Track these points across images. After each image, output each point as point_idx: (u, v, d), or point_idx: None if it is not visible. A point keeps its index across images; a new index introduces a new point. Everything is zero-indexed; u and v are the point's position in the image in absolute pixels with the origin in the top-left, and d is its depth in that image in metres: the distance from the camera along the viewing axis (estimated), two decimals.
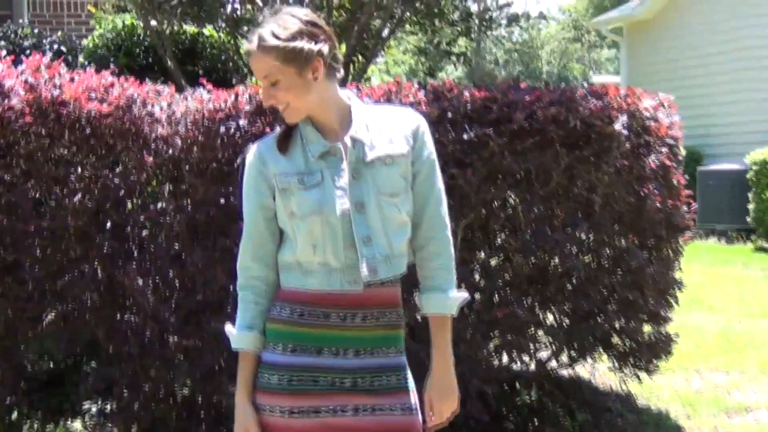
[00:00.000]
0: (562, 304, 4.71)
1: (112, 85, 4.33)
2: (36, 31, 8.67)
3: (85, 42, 8.53)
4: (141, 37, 8.30)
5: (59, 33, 8.89)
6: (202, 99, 4.37)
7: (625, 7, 19.51)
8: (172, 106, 4.38)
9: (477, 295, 4.46)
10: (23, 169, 4.19)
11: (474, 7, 12.34)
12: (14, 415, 4.55)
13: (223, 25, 8.06)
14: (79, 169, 4.26)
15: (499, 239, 4.58)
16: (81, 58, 8.12)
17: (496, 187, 4.47)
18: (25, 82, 4.15)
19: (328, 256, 2.41)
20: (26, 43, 8.14)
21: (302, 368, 2.42)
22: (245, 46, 2.62)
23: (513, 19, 9.26)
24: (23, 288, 4.22)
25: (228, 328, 2.55)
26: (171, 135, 4.31)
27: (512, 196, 4.51)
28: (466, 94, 4.49)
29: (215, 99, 4.36)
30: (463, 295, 2.57)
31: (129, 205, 4.32)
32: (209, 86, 4.47)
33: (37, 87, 4.14)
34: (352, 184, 2.43)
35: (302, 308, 2.45)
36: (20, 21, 10.07)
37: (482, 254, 4.58)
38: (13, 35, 8.29)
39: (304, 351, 2.44)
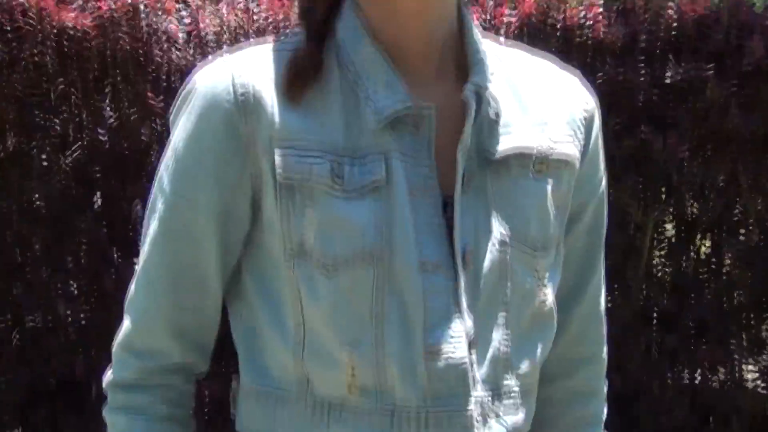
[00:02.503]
0: None
1: None
2: None
3: None
4: None
5: None
6: (249, 9, 3.14)
7: None
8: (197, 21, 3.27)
9: None
10: None
11: None
12: None
13: None
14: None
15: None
16: None
17: (718, 159, 2.99)
18: None
19: (388, 372, 1.08)
20: None
21: None
22: None
23: None
24: None
25: None
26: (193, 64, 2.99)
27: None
28: (670, 11, 3.14)
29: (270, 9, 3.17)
30: None
31: None
32: None
33: None
34: (461, 203, 1.12)
35: None
36: None
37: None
38: None
39: None
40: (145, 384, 1.16)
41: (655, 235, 3.04)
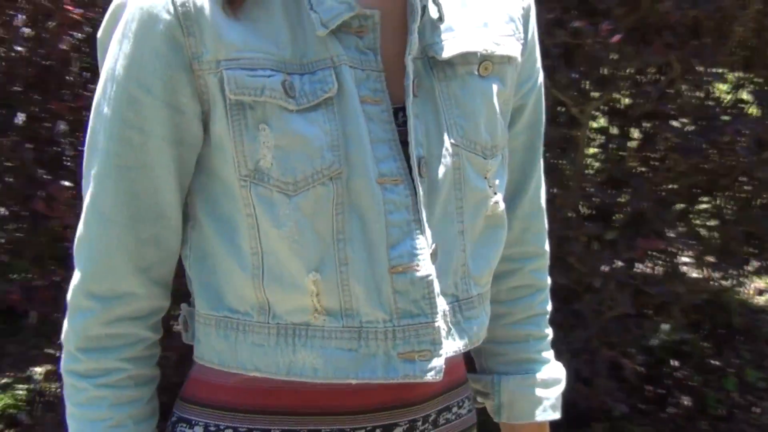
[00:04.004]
0: None
1: None
2: None
3: None
4: None
5: None
6: None
7: None
8: None
9: None
10: None
11: None
12: None
13: None
14: None
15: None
16: None
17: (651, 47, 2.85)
18: None
19: (353, 293, 1.05)
20: None
21: None
22: None
23: None
24: None
25: None
26: None
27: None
28: None
29: None
30: (563, 371, 1.33)
31: None
32: None
33: None
34: (412, 109, 1.07)
35: (264, 426, 1.09)
36: None
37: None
38: None
39: None
40: (109, 343, 1.09)
41: (590, 128, 2.98)
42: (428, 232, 1.06)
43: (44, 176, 2.87)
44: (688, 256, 3.48)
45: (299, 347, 1.05)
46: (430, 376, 1.06)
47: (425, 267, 1.05)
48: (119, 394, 1.09)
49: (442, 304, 1.09)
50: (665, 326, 4.15)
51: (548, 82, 2.77)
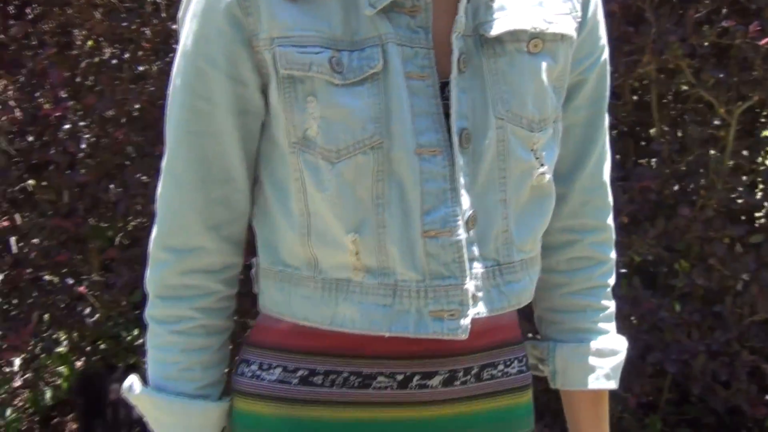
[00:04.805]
0: None
1: None
2: None
3: None
4: None
5: None
6: None
7: None
8: None
9: None
10: None
11: None
12: None
13: None
14: None
15: None
16: None
17: None
18: None
19: (389, 253, 1.12)
20: None
21: None
22: None
23: None
24: None
25: (137, 388, 1.22)
26: None
27: None
28: None
29: None
30: (623, 344, 1.35)
31: None
32: None
33: None
34: (457, 84, 1.12)
35: (312, 365, 1.19)
36: None
37: None
38: None
39: None
40: (183, 292, 1.19)
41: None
42: (467, 199, 1.13)
43: None
44: None
45: (340, 301, 1.15)
46: (456, 334, 1.14)
47: (457, 233, 1.12)
48: (190, 340, 1.20)
49: (478, 268, 1.15)
50: None
51: (695, 80, 2.77)
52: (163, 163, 1.19)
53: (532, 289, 1.24)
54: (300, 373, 1.19)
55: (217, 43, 1.11)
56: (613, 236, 1.35)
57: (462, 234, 1.13)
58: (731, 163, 2.94)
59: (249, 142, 1.17)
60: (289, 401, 1.19)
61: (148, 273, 1.21)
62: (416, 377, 1.19)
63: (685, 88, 3.03)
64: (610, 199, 1.34)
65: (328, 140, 1.10)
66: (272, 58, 1.10)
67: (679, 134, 3.01)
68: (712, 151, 2.96)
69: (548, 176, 1.21)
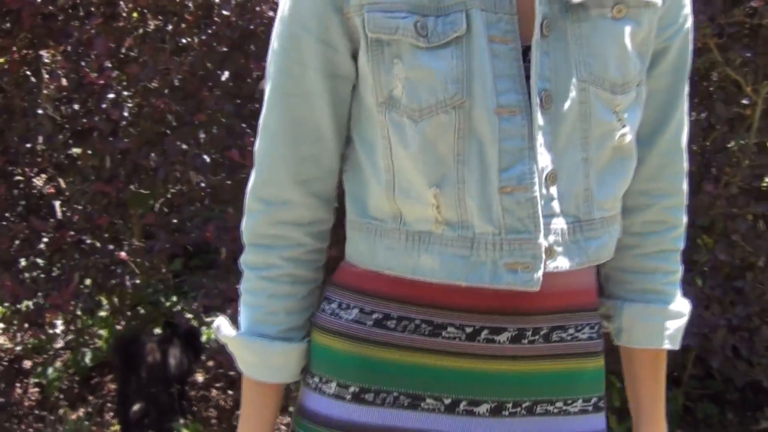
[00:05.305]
0: None
1: None
2: None
3: None
4: None
5: None
6: None
7: None
8: None
9: None
10: None
11: None
12: None
13: None
14: None
15: None
16: None
17: None
18: None
19: (468, 208, 1.16)
20: None
21: None
22: None
23: None
24: None
25: (225, 329, 1.31)
26: None
27: None
28: None
29: None
30: (687, 307, 1.38)
31: None
32: None
33: None
34: (540, 48, 1.15)
35: (387, 310, 1.24)
36: None
37: None
38: None
39: (383, 400, 1.24)
40: (272, 242, 1.26)
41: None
42: (546, 158, 1.16)
43: (242, 127, 3.13)
44: None
45: (422, 252, 1.20)
46: (529, 286, 1.17)
47: (532, 189, 1.15)
48: (276, 287, 1.27)
49: (559, 223, 1.19)
50: None
51: (722, 59, 2.81)
52: (261, 119, 1.26)
53: (612, 247, 1.27)
54: (375, 315, 1.24)
55: (311, 10, 1.18)
56: (686, 201, 1.37)
57: (537, 191, 1.15)
58: (756, 141, 2.97)
59: (339, 105, 1.23)
60: (362, 340, 1.25)
61: (244, 221, 1.29)
62: (485, 331, 1.23)
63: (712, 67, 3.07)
64: (686, 164, 1.36)
65: (411, 100, 1.15)
66: (362, 22, 1.15)
67: (705, 114, 3.05)
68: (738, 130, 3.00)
69: (629, 137, 1.23)
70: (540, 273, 1.17)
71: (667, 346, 1.35)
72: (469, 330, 1.22)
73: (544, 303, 1.24)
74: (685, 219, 1.37)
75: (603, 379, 1.33)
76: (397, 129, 1.17)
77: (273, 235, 1.26)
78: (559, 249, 1.18)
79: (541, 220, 1.16)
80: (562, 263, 1.19)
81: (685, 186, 1.36)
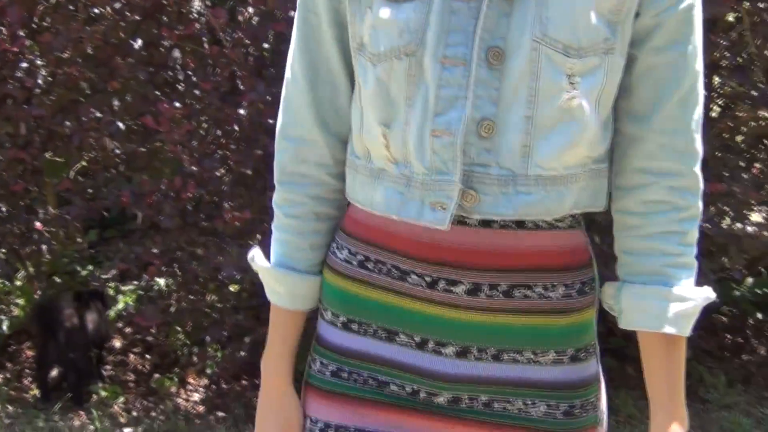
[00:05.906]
0: None
1: None
2: None
3: None
4: None
5: None
6: None
7: None
8: None
9: None
10: None
11: None
12: None
13: None
14: None
15: None
16: None
17: None
18: None
19: (409, 148, 1.26)
20: None
21: (359, 358, 1.38)
22: None
23: None
24: None
25: (259, 259, 1.44)
26: None
27: None
28: None
29: None
30: (707, 294, 1.30)
31: None
32: None
33: None
34: (497, 8, 1.20)
35: (367, 253, 1.35)
36: None
37: None
38: None
39: (365, 331, 1.37)
40: (298, 179, 1.40)
41: None
42: (485, 110, 1.22)
43: (156, 95, 3.19)
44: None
45: (378, 186, 1.31)
46: (441, 224, 1.24)
47: (456, 136, 1.22)
48: (302, 224, 1.41)
49: (491, 172, 1.23)
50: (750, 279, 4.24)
51: None
52: (287, 67, 1.40)
53: (548, 207, 1.27)
54: (359, 257, 1.36)
55: None
56: (699, 185, 1.31)
57: (460, 137, 1.22)
58: None
59: (347, 51, 1.35)
60: (349, 278, 1.37)
61: (275, 160, 1.42)
62: (441, 282, 1.30)
63: None
64: (697, 145, 1.30)
65: (373, 46, 1.27)
66: None
67: None
68: None
69: (578, 101, 1.23)
70: (449, 213, 1.24)
71: (668, 330, 1.28)
72: (428, 279, 1.30)
73: (497, 261, 1.29)
74: (696, 203, 1.30)
75: (582, 332, 1.34)
76: (362, 72, 1.30)
77: (298, 173, 1.39)
78: (486, 197, 1.24)
79: (460, 164, 1.22)
80: (485, 210, 1.25)
81: (696, 168, 1.30)
